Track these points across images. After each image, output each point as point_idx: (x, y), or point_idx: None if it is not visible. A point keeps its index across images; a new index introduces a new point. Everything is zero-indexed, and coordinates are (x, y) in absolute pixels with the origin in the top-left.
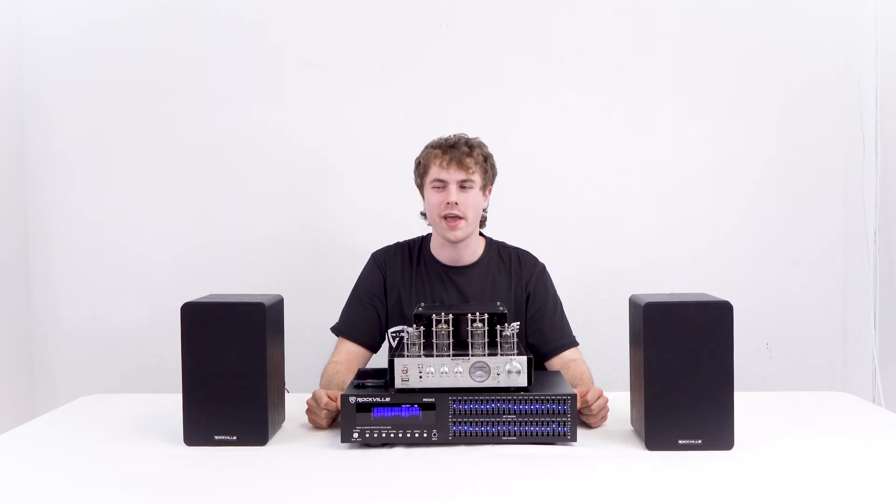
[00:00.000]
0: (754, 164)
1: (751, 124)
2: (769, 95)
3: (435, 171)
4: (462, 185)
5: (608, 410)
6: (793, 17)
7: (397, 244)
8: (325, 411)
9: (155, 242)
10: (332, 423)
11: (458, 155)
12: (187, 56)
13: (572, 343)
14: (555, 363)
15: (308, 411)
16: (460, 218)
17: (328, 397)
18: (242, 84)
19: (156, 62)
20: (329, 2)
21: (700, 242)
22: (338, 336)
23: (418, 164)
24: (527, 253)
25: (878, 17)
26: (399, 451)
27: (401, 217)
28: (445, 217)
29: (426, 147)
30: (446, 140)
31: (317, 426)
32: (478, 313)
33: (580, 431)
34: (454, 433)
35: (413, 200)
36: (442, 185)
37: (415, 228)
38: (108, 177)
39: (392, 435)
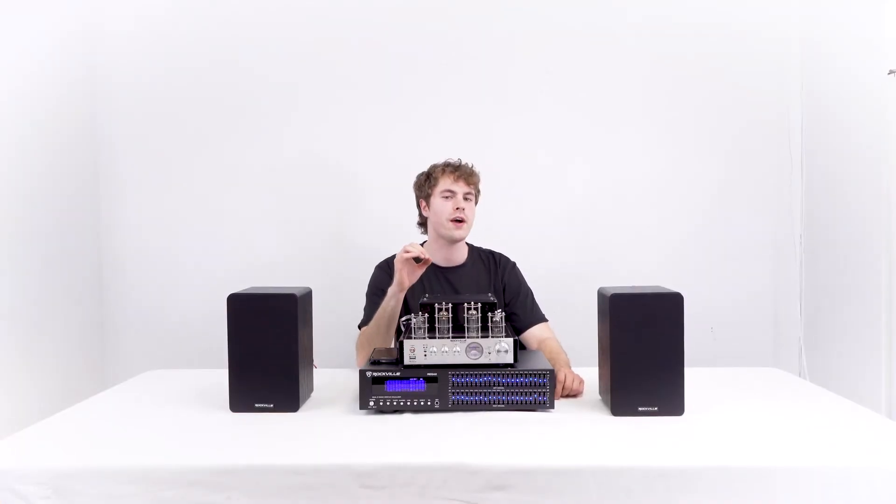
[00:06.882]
0: (705, 181)
1: (703, 150)
2: (719, 128)
3: (446, 184)
4: (466, 197)
5: (583, 383)
6: (736, 69)
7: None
8: (408, 254)
9: (207, 244)
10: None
11: (465, 173)
12: (232, 85)
13: (541, 319)
14: (528, 337)
15: (402, 260)
16: (463, 221)
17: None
18: (283, 110)
19: (208, 93)
20: (351, 42)
21: (657, 244)
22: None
23: (426, 178)
24: (500, 254)
25: (804, 61)
26: (408, 417)
27: (405, 224)
28: (454, 220)
29: (433, 167)
30: (454, 162)
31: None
32: (472, 303)
33: (559, 401)
34: (453, 402)
35: (414, 212)
36: (451, 194)
37: (415, 235)
38: (169, 188)
39: (402, 403)
